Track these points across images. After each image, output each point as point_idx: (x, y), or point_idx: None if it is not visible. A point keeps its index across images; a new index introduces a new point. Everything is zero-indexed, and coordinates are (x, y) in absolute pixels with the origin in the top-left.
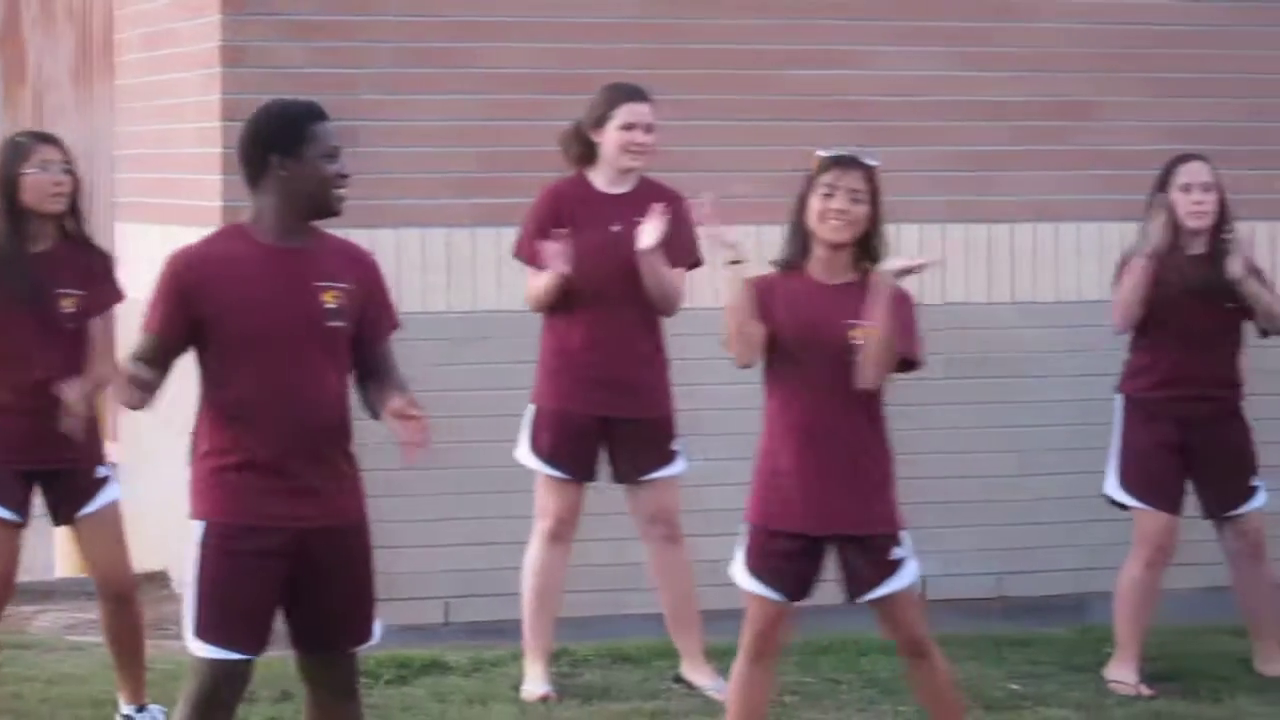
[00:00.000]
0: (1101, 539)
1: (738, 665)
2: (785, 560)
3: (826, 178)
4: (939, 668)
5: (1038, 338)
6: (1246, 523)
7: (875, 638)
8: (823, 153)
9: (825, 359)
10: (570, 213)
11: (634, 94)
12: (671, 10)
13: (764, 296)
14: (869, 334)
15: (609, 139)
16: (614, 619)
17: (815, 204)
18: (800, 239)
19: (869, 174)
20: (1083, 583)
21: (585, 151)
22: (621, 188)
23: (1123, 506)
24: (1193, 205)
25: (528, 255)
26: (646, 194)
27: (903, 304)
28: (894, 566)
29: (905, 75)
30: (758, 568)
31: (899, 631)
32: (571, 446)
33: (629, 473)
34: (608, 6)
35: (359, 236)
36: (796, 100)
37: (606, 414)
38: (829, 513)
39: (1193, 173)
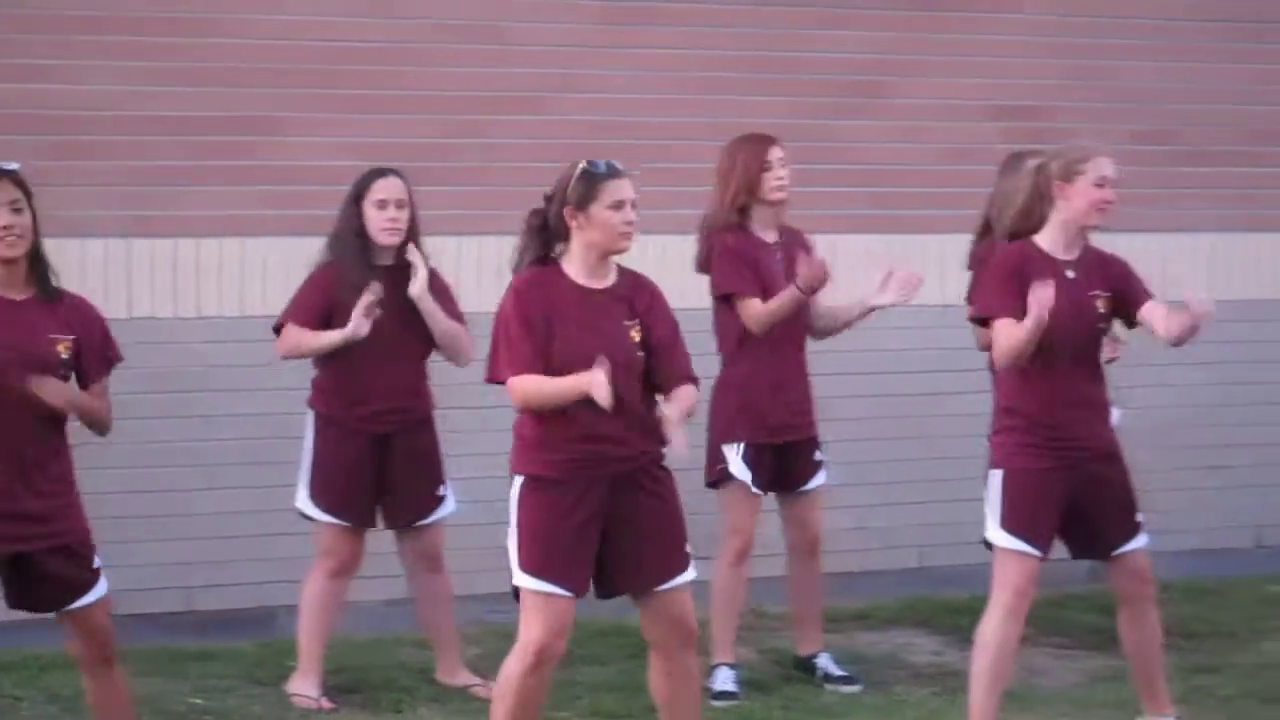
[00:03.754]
0: (289, 553)
1: None
2: None
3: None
4: (119, 684)
5: (223, 352)
6: (425, 533)
7: (57, 653)
8: None
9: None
10: None
11: None
12: None
13: None
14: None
15: None
16: None
17: None
18: None
19: (17, 180)
20: (270, 596)
21: None
22: None
23: (310, 519)
24: (387, 222)
25: None
26: None
27: None
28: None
29: (88, 90)
30: None
31: (93, 642)
32: None
33: None
34: None
35: None
36: None
37: None
38: None
39: (388, 189)
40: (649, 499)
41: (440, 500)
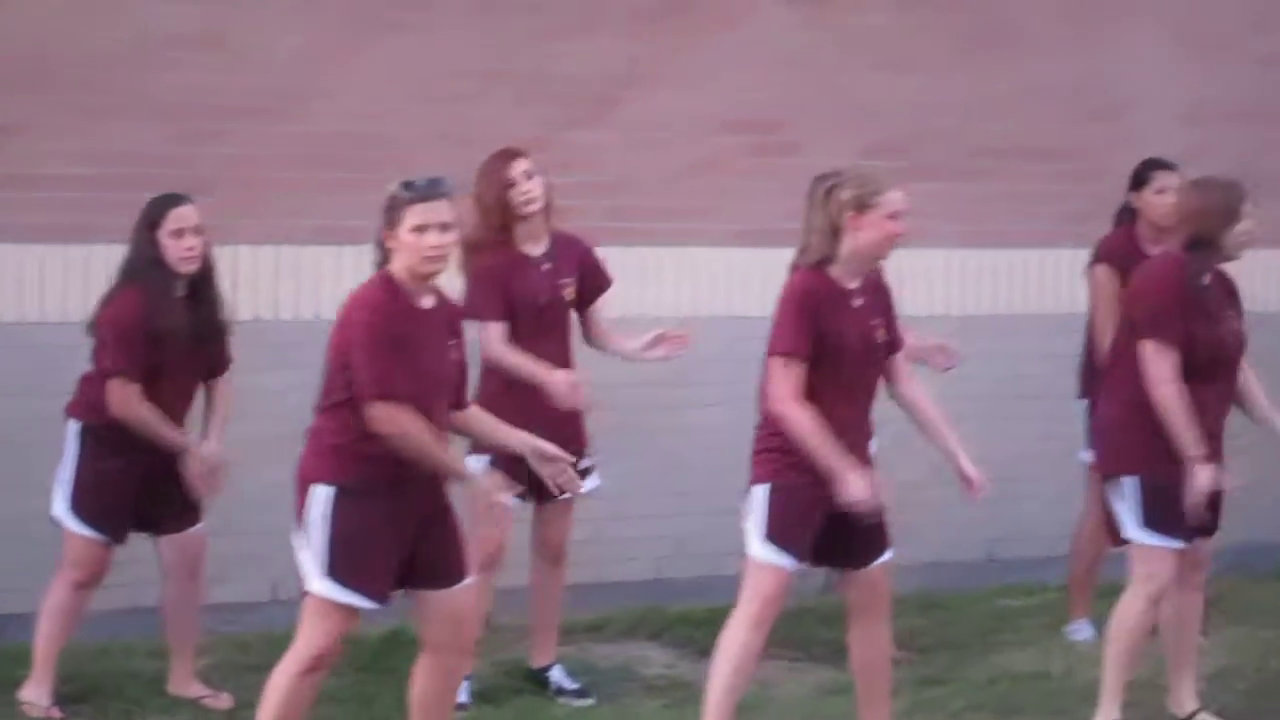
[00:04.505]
0: (14, 560)
1: None
2: None
3: None
4: None
5: None
6: (189, 539)
7: None
8: None
9: None
10: None
11: None
12: None
13: None
14: None
15: None
16: None
17: None
18: None
19: None
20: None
21: None
22: None
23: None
24: (185, 251)
25: None
26: None
27: None
28: None
29: None
30: None
31: None
32: None
33: None
34: None
35: None
36: None
37: None
38: None
39: (184, 217)
40: (444, 507)
41: (198, 514)
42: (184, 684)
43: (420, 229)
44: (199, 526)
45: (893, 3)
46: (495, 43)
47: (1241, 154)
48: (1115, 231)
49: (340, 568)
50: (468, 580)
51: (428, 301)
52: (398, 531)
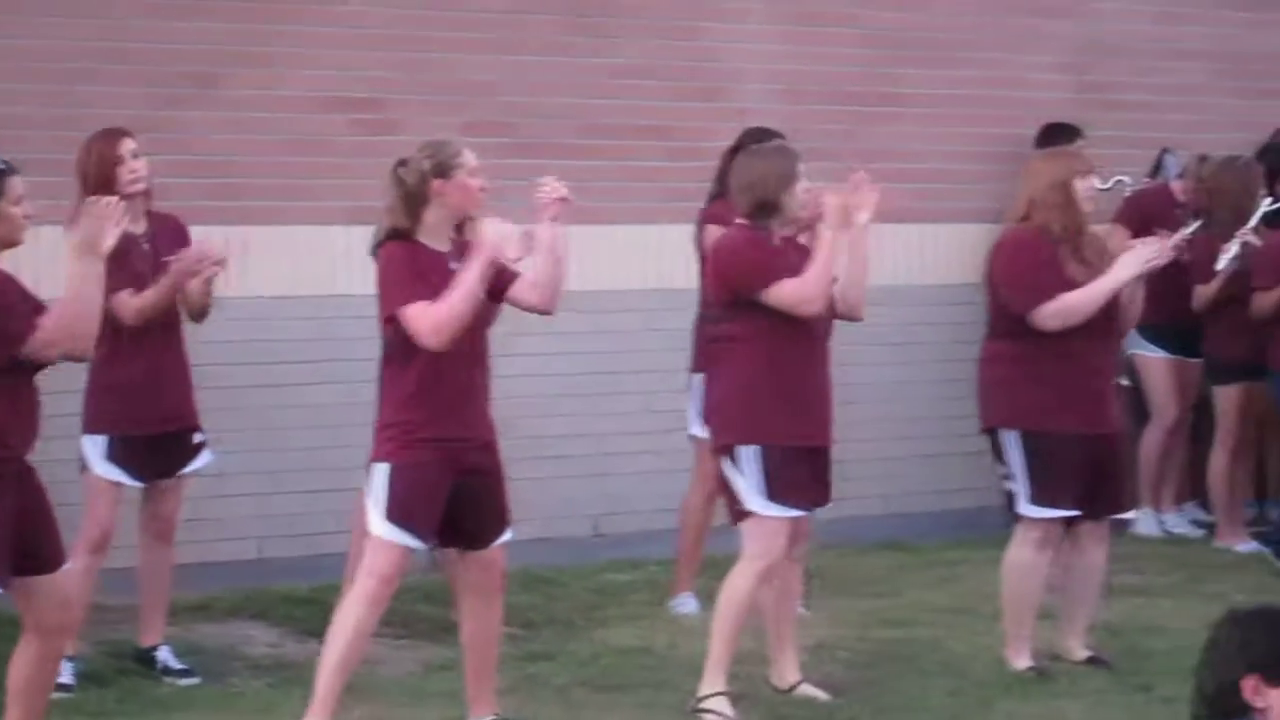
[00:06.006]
0: None
1: None
2: None
3: None
4: None
5: None
6: None
7: None
8: None
9: None
10: None
11: None
12: None
13: None
14: None
15: None
16: None
17: None
18: None
19: None
20: None
21: None
22: None
23: None
24: None
25: None
26: None
27: None
28: None
29: None
30: None
31: None
32: None
33: None
34: None
35: None
36: None
37: None
38: None
39: None
40: (35, 489)
41: None
42: None
43: (21, 199)
44: None
45: None
46: (99, 22)
47: (839, 131)
48: (718, 201)
49: None
50: (69, 564)
51: None
52: None
